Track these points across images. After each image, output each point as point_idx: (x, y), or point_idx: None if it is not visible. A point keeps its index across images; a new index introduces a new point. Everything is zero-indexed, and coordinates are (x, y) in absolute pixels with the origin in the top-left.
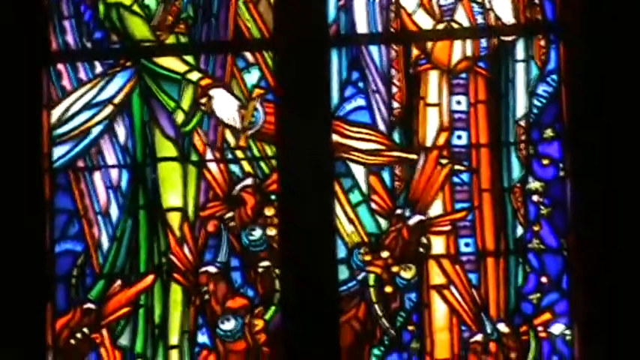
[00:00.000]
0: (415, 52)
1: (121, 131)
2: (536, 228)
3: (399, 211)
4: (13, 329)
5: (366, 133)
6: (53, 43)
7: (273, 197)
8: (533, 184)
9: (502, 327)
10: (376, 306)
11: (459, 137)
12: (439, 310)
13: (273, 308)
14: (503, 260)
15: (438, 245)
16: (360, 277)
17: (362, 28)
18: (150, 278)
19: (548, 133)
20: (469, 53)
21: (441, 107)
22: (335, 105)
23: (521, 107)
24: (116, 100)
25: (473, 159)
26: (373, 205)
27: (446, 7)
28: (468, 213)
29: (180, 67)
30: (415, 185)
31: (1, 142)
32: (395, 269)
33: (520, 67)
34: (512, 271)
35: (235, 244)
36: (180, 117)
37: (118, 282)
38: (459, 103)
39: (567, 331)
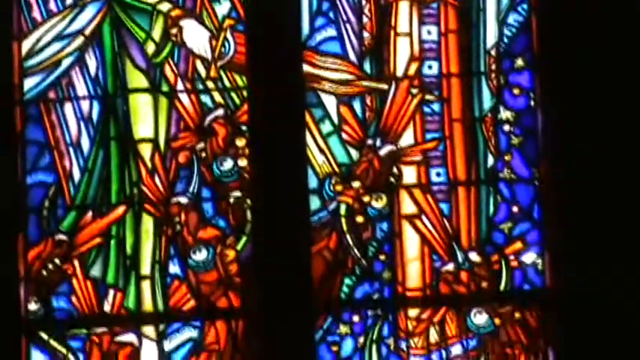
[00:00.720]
0: None
1: (91, 62)
2: (507, 158)
3: (370, 142)
4: None
5: (337, 63)
6: None
7: (244, 128)
8: (504, 114)
9: (474, 256)
10: (347, 236)
11: (430, 67)
12: (411, 240)
13: (244, 239)
14: (475, 190)
15: (410, 175)
16: (331, 207)
17: None
18: (121, 209)
19: (519, 62)
20: None
21: (411, 37)
22: (306, 35)
23: (491, 37)
24: (87, 32)
25: (444, 89)
26: (344, 136)
27: None
28: (439, 143)
29: None
30: (386, 115)
31: None
32: (366, 199)
33: None
34: (484, 200)
35: (206, 174)
36: (151, 48)
37: (90, 213)
38: (429, 32)
39: (539, 260)
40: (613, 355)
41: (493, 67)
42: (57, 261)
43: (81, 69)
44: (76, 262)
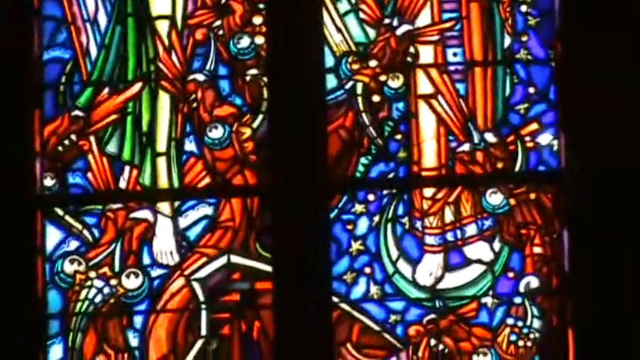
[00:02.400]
0: None
1: None
2: (524, 38)
3: (387, 21)
4: (1, 136)
5: None
6: None
7: (261, 6)
8: None
9: (489, 137)
10: (364, 115)
11: None
12: (426, 120)
13: (260, 116)
14: (491, 70)
15: (426, 54)
16: (347, 86)
17: None
18: (138, 86)
19: None
20: None
21: None
22: None
23: None
24: None
25: None
26: (361, 15)
27: None
28: (455, 23)
29: None
30: None
31: None
32: (383, 78)
33: None
34: (500, 81)
35: (223, 52)
36: None
37: (106, 89)
38: None
39: (554, 142)
40: (627, 234)
41: None
42: (73, 137)
43: None
44: (92, 139)
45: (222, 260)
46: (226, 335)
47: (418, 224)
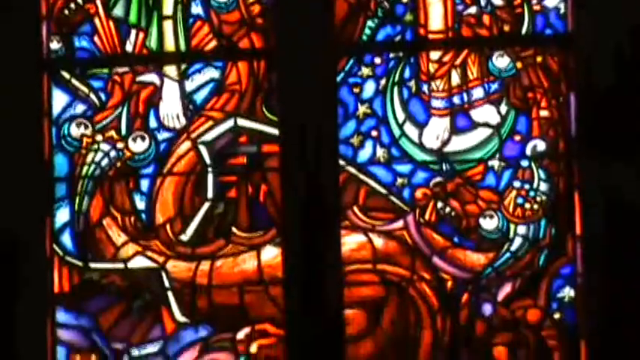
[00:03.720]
0: None
1: None
2: None
3: None
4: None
5: None
6: None
7: None
8: None
9: (496, 0)
10: None
11: None
12: None
13: None
14: None
15: None
16: None
17: None
18: None
19: None
20: None
21: None
22: None
23: None
24: None
25: None
26: None
27: None
28: None
29: None
30: None
31: None
32: None
33: None
34: None
35: None
36: None
37: None
38: None
39: (561, 4)
40: (637, 97)
41: None
42: (79, 0)
43: None
44: (98, 2)
45: (229, 123)
46: (233, 198)
47: (425, 87)
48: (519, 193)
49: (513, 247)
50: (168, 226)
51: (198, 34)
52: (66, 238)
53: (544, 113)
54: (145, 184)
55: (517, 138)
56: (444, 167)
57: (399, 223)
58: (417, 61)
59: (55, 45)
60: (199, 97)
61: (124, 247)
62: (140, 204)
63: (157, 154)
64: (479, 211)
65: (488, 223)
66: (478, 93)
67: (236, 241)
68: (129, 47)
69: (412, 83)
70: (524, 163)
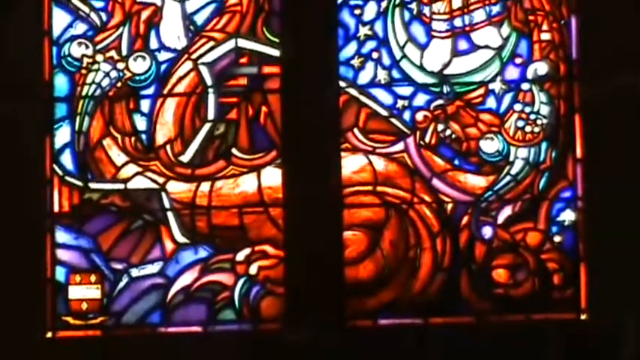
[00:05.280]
0: None
1: None
2: None
3: None
4: None
5: None
6: None
7: None
8: None
9: None
10: None
11: None
12: None
13: None
14: None
15: None
16: None
17: None
18: None
19: None
20: None
21: None
22: None
23: None
24: None
25: None
26: None
27: None
28: None
29: None
30: None
31: None
32: None
33: None
34: None
35: None
36: None
37: None
38: None
39: None
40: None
41: None
42: None
43: None
44: None
45: (230, 44)
46: (233, 119)
47: (426, 10)
48: (520, 116)
49: (514, 170)
50: (168, 147)
51: None
52: (66, 158)
53: (545, 36)
54: (145, 104)
55: (518, 61)
56: (444, 90)
57: (400, 146)
58: None
59: None
60: (200, 17)
61: (124, 167)
62: (140, 125)
63: (157, 74)
64: (479, 134)
65: (489, 146)
66: (480, 15)
67: (236, 163)
68: None
69: (414, 5)
70: (525, 86)
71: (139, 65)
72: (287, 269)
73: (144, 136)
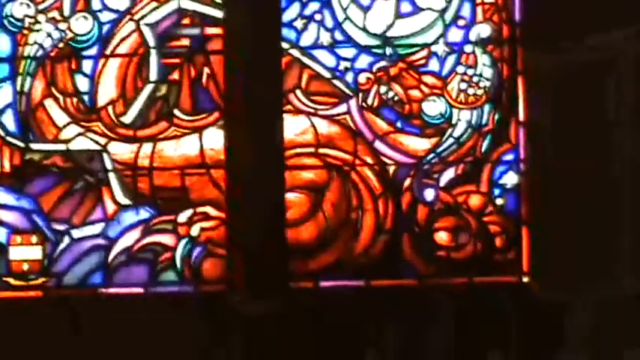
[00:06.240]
0: None
1: None
2: None
3: None
4: None
5: None
6: None
7: None
8: None
9: None
10: None
11: None
12: None
13: None
14: None
15: None
16: None
17: None
18: None
19: None
20: None
21: None
22: None
23: None
24: None
25: None
26: None
27: None
28: None
29: None
30: None
31: None
32: None
33: None
34: None
35: None
36: None
37: None
38: None
39: None
40: None
41: None
42: None
43: None
44: None
45: (173, 5)
46: (176, 80)
47: None
48: (463, 78)
49: (456, 133)
50: (110, 108)
51: None
52: (8, 119)
53: None
54: (87, 65)
55: (461, 23)
56: (387, 52)
57: (342, 108)
58: None
59: None
60: None
61: (66, 128)
62: (83, 85)
63: (99, 35)
64: (422, 97)
65: (432, 108)
66: None
67: (178, 124)
68: None
69: None
70: (468, 48)
71: (82, 25)
72: (229, 231)
73: (86, 97)
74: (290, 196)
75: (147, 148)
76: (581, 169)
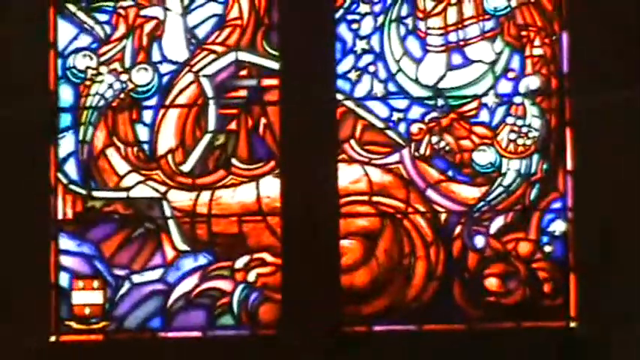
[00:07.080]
0: None
1: None
2: None
3: None
4: None
5: None
6: None
7: None
8: None
9: None
10: None
11: None
12: None
13: None
14: None
15: None
16: None
17: None
18: None
19: None
20: None
21: None
22: None
23: None
24: None
25: None
26: None
27: None
28: None
29: None
30: None
31: None
32: None
33: None
34: None
35: None
36: None
37: None
38: None
39: None
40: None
41: None
42: None
43: None
44: None
45: (231, 57)
46: (233, 130)
47: (421, 25)
48: (512, 128)
49: (506, 182)
50: (169, 157)
51: None
52: (70, 167)
53: (537, 51)
54: (147, 115)
55: (511, 75)
56: (439, 103)
57: (395, 157)
58: None
59: None
60: (202, 30)
61: (127, 176)
62: (143, 135)
63: (159, 86)
64: (473, 146)
65: (482, 158)
66: (474, 31)
67: (236, 173)
68: None
69: (409, 20)
70: (518, 99)
71: (142, 77)
72: (284, 276)
73: (146, 146)
74: (344, 242)
75: (205, 195)
76: (627, 217)
